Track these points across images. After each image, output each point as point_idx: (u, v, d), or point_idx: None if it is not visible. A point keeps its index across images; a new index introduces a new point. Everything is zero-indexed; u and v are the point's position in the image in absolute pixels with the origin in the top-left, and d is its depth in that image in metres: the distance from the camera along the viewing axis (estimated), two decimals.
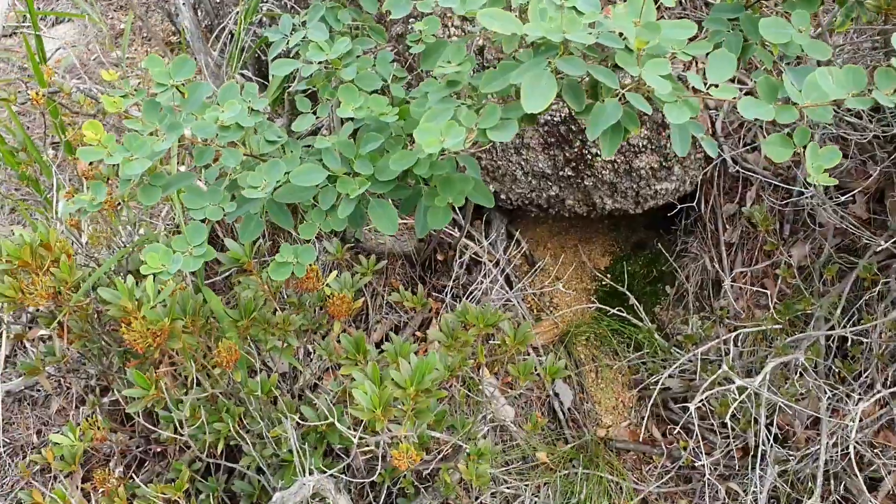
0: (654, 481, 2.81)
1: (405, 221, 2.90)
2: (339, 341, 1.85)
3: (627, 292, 2.97)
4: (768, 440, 2.59)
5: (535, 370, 2.04)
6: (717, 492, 2.78)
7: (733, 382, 2.16)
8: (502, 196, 2.94)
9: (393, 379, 1.57)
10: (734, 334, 2.46)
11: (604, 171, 2.71)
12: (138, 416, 1.82)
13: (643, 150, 2.66)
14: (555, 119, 2.61)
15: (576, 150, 2.66)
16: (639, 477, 2.82)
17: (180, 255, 1.37)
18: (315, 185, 1.44)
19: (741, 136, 3.12)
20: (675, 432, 2.79)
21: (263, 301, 1.83)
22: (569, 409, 2.89)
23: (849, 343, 2.61)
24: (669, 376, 2.92)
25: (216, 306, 1.77)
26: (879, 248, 2.64)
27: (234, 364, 1.65)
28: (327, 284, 1.86)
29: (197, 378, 1.74)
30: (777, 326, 2.51)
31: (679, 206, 3.11)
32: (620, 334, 3.02)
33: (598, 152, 2.65)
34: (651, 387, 2.95)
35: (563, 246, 3.31)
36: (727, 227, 3.09)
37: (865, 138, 2.62)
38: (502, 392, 2.89)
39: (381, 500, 2.23)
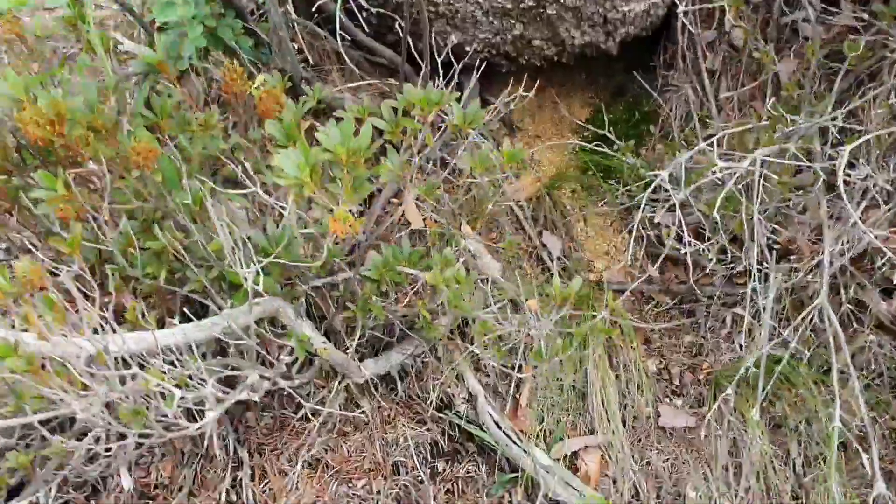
0: (656, 320, 2.67)
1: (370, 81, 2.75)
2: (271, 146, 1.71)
3: (609, 134, 2.81)
4: (771, 253, 2.43)
5: (493, 157, 1.89)
6: (723, 320, 2.64)
7: (718, 170, 1.99)
8: (466, 48, 2.78)
9: (321, 144, 1.43)
10: (720, 134, 2.28)
11: None
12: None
13: None
14: None
15: None
16: (639, 317, 2.67)
17: None
18: None
19: None
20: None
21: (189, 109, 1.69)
22: (558, 258, 2.74)
23: (844, 134, 2.43)
24: (661, 208, 2.77)
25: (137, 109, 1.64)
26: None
27: (152, 162, 1.52)
28: (256, 87, 1.72)
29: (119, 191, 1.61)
30: (764, 124, 2.33)
31: (654, 41, 2.95)
32: (607, 183, 2.87)
33: None
34: (641, 228, 2.80)
35: (541, 105, 3.14)
36: (707, 54, 2.91)
37: None
38: (487, 248, 2.75)
39: (356, 341, 2.11)
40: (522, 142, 3.03)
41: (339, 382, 2.03)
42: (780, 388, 2.49)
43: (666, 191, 2.73)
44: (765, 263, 2.48)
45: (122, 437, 1.79)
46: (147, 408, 1.43)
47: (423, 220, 2.65)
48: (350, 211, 1.46)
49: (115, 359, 1.40)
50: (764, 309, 2.30)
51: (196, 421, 2.22)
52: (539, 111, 3.12)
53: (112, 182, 1.54)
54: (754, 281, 2.26)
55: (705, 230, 2.69)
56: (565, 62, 2.92)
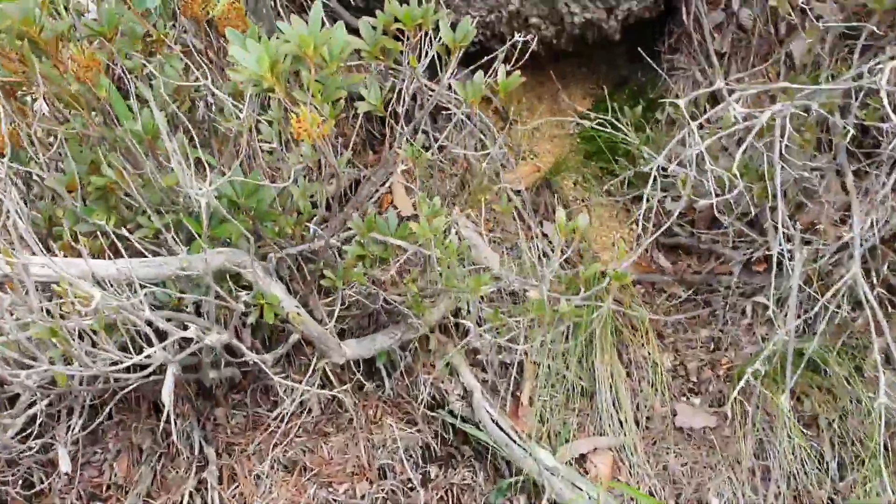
0: (669, 313, 2.44)
1: None
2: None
3: (615, 121, 2.62)
4: (792, 227, 2.21)
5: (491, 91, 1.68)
6: (742, 311, 2.40)
7: (736, 116, 1.79)
8: None
9: (284, 36, 1.23)
10: (735, 96, 2.09)
11: None
12: None
13: None
14: None
15: None
16: (650, 310, 2.43)
17: None
18: None
19: None
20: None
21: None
22: (560, 249, 2.51)
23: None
24: (672, 199, 2.57)
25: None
26: None
27: (94, 75, 1.32)
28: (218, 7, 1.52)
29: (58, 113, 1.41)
30: (783, 85, 2.14)
31: (658, 25, 2.80)
32: (615, 162, 2.67)
33: None
34: (647, 218, 2.59)
35: (540, 97, 2.97)
36: (715, 36, 2.75)
37: None
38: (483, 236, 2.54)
39: (336, 311, 1.87)
40: (520, 134, 2.85)
41: (317, 362, 1.79)
42: (810, 384, 2.25)
43: (675, 176, 2.54)
44: (787, 244, 2.27)
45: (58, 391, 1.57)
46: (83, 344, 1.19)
47: (413, 204, 2.45)
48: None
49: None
50: (790, 286, 2.07)
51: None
52: (538, 103, 2.94)
53: (49, 98, 1.34)
54: (779, 244, 2.04)
55: (720, 212, 2.48)
56: (564, 47, 2.75)
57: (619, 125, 2.58)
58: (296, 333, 1.80)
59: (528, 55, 2.77)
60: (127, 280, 1.25)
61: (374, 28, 1.48)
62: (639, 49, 2.76)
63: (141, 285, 1.28)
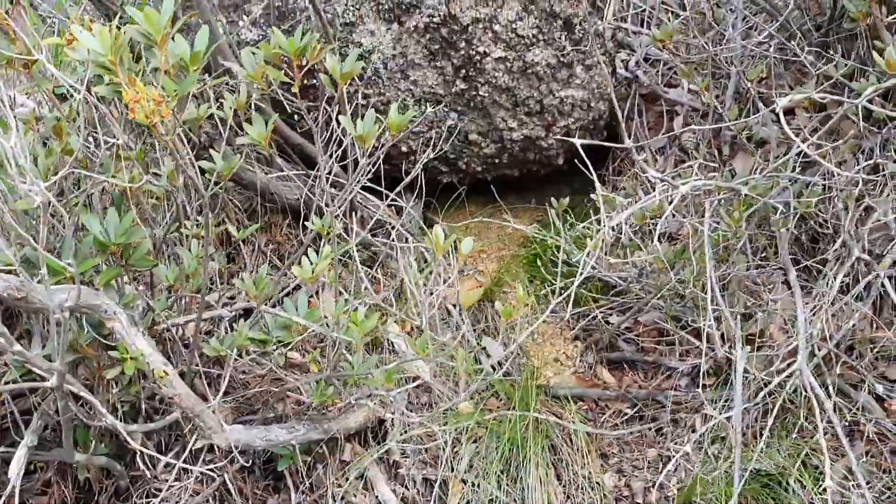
0: (614, 429, 2.23)
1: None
2: None
3: (557, 236, 2.56)
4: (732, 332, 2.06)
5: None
6: (692, 427, 2.20)
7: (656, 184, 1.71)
8: (403, 148, 2.61)
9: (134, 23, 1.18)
10: (668, 194, 2.02)
11: (497, 73, 2.42)
12: None
13: (535, 43, 2.39)
14: (434, 21, 2.36)
15: (462, 52, 2.38)
16: (595, 426, 2.23)
17: None
18: None
19: (659, 71, 2.89)
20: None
21: None
22: (499, 362, 2.35)
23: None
24: (617, 312, 2.45)
25: None
26: None
27: None
28: None
29: None
30: (713, 176, 2.07)
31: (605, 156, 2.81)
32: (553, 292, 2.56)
33: (486, 50, 2.38)
34: (591, 331, 2.45)
35: (489, 227, 2.92)
36: (657, 159, 2.75)
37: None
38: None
39: (223, 387, 1.69)
40: (468, 257, 2.77)
41: (194, 442, 1.60)
42: None
43: (619, 293, 2.44)
44: (733, 350, 2.11)
45: None
46: None
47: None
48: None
49: None
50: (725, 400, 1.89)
51: None
52: (486, 230, 2.90)
53: None
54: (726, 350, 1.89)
55: (663, 325, 2.35)
56: (509, 171, 2.75)
57: (558, 240, 2.52)
58: (177, 411, 1.62)
59: (477, 185, 2.80)
60: None
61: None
62: (585, 188, 2.75)
63: None
